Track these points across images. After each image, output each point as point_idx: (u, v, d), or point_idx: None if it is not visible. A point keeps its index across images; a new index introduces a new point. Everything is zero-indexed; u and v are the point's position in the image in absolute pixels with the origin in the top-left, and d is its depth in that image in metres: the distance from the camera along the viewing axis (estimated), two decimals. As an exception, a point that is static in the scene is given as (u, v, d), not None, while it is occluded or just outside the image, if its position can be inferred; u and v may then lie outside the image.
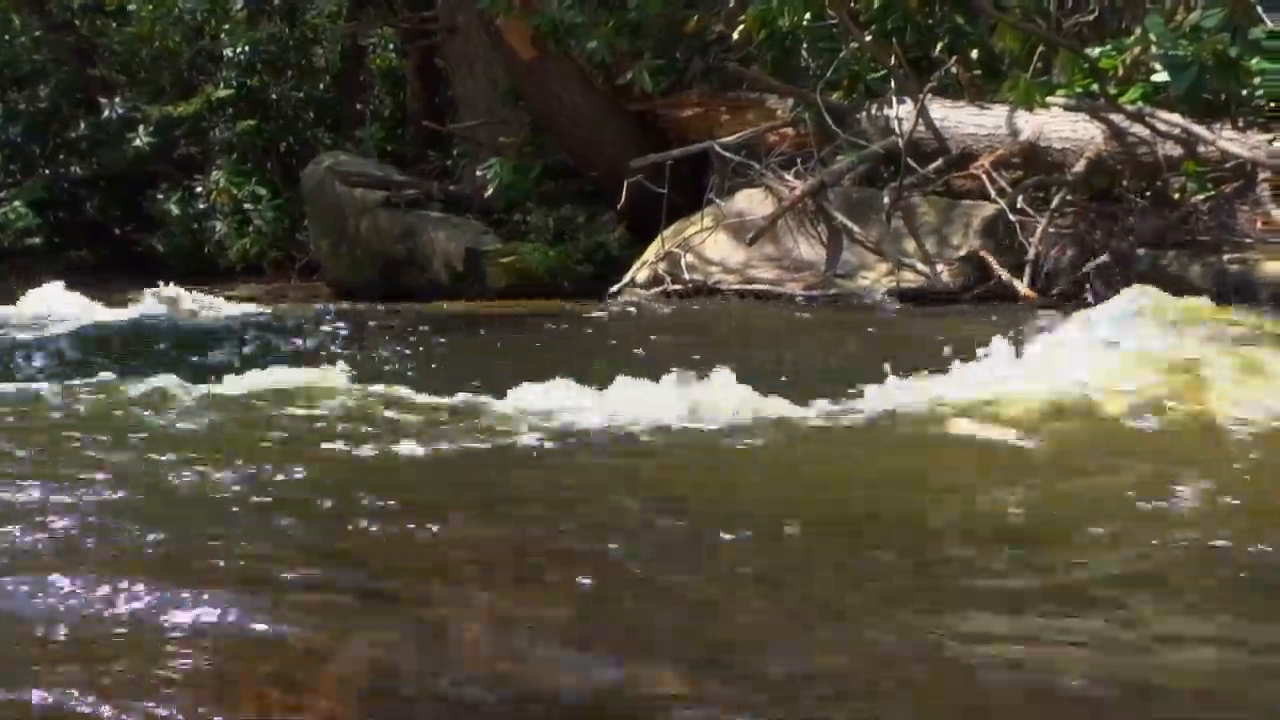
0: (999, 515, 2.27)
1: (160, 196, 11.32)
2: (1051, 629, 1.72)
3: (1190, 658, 1.65)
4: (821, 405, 3.09)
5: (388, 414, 3.22)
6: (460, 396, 3.37)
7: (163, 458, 2.68)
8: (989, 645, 1.68)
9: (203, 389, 3.43)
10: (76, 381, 3.61)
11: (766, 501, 2.45)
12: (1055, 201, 6.29)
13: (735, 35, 7.68)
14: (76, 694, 1.49)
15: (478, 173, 8.45)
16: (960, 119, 6.72)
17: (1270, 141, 5.78)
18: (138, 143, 11.36)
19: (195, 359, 5.04)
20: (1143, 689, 1.53)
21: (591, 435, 2.97)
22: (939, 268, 6.23)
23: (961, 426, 2.87)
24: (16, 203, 11.54)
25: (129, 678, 1.55)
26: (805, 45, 7.49)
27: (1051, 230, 6.16)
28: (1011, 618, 1.78)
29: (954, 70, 7.00)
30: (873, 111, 7.01)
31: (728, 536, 2.13)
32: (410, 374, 4.24)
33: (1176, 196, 6.42)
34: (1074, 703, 1.48)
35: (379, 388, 3.51)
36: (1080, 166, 6.25)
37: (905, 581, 1.95)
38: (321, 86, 12.48)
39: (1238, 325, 3.66)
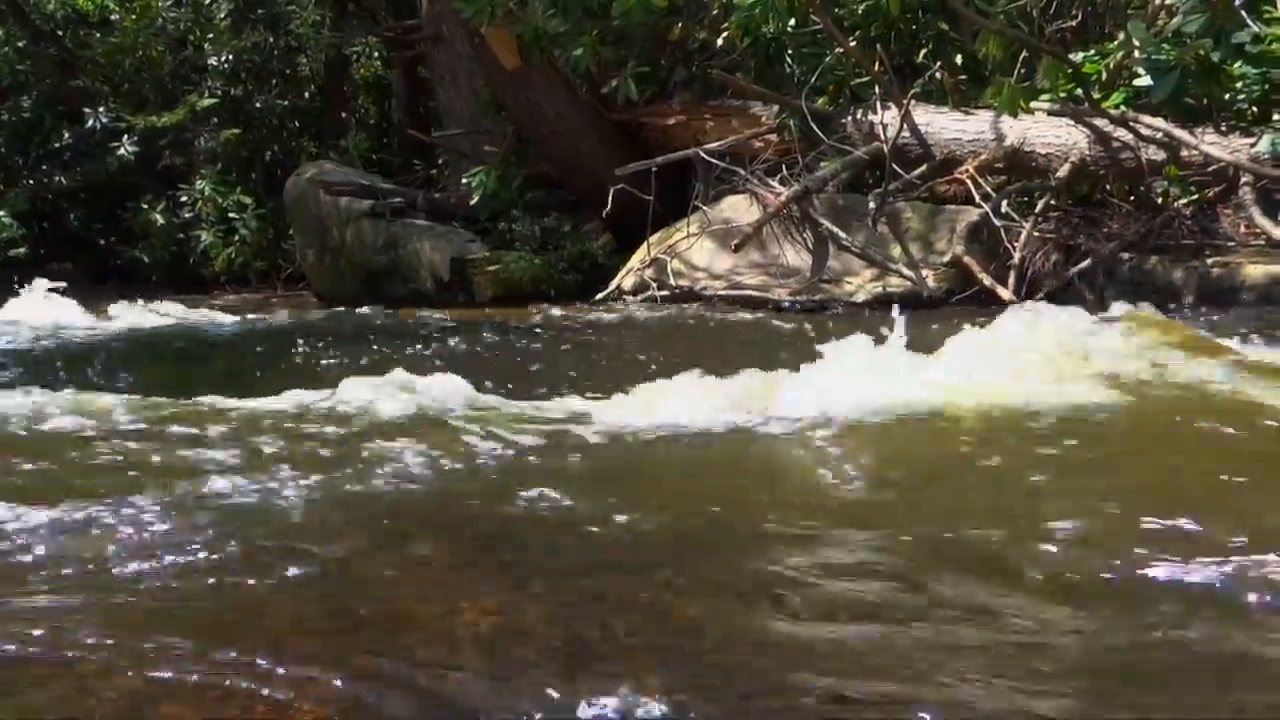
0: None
1: (145, 207, 11.29)
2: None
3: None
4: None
5: (376, 416, 3.23)
6: (447, 404, 3.37)
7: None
8: (978, 656, 1.68)
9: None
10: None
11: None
12: (1039, 206, 6.32)
13: (719, 42, 7.70)
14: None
15: (462, 182, 8.45)
16: (944, 124, 6.75)
17: (1252, 145, 5.82)
18: (121, 153, 11.33)
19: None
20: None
21: (572, 442, 2.97)
22: (924, 273, 6.25)
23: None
24: (0, 213, 11.49)
25: (115, 695, 1.55)
26: (789, 52, 7.51)
27: (1035, 235, 6.19)
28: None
29: (938, 76, 7.03)
30: (857, 117, 7.03)
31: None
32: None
33: (1160, 201, 6.45)
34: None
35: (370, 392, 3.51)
36: (1064, 171, 6.28)
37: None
38: (306, 96, 12.47)
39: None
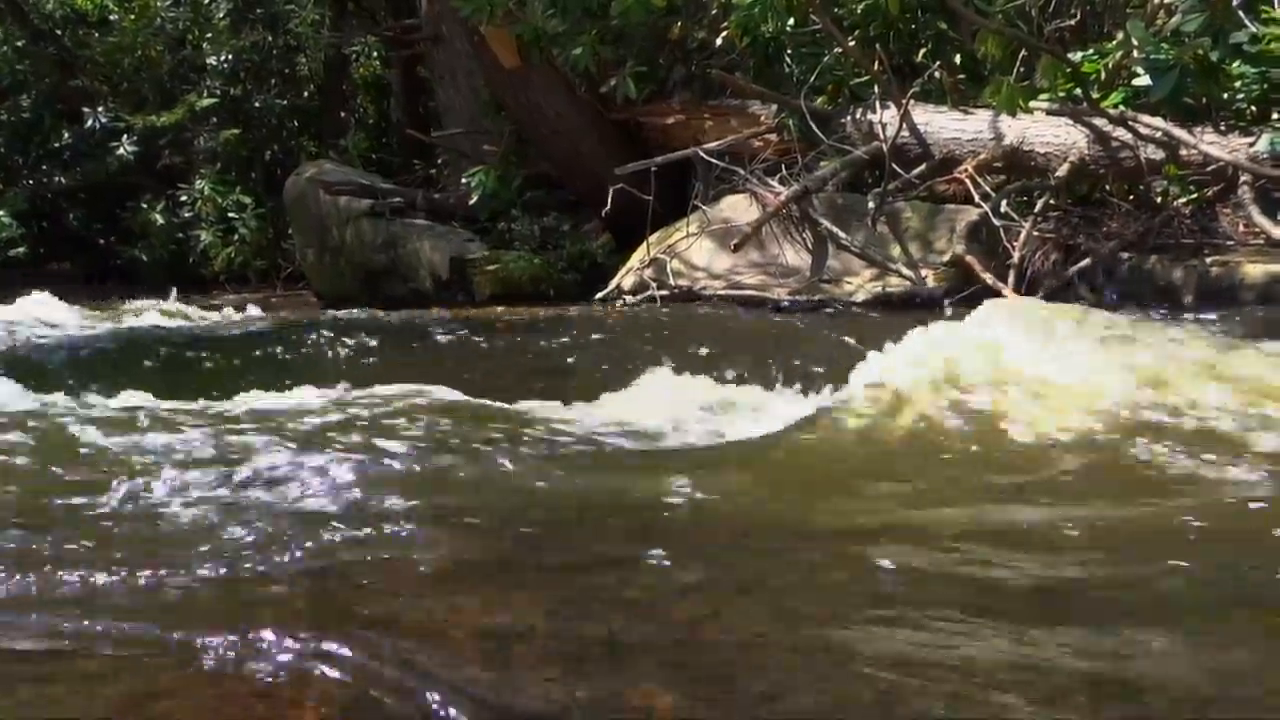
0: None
1: (144, 206, 11.28)
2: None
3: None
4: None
5: (380, 416, 3.23)
6: (441, 403, 3.38)
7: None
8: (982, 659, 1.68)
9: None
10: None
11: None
12: (1038, 206, 6.31)
13: (719, 41, 7.70)
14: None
15: (462, 181, 8.46)
16: (943, 124, 6.74)
17: (1251, 145, 5.81)
18: (121, 152, 11.32)
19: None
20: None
21: (572, 442, 2.97)
22: (923, 272, 6.24)
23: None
24: (0, 213, 11.48)
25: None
26: (788, 51, 7.50)
27: (1035, 234, 6.18)
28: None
29: (937, 75, 7.03)
30: (856, 117, 7.03)
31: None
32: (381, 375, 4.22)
33: (1159, 200, 6.45)
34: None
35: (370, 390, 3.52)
36: (1063, 170, 6.27)
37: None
38: (305, 95, 12.47)
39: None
